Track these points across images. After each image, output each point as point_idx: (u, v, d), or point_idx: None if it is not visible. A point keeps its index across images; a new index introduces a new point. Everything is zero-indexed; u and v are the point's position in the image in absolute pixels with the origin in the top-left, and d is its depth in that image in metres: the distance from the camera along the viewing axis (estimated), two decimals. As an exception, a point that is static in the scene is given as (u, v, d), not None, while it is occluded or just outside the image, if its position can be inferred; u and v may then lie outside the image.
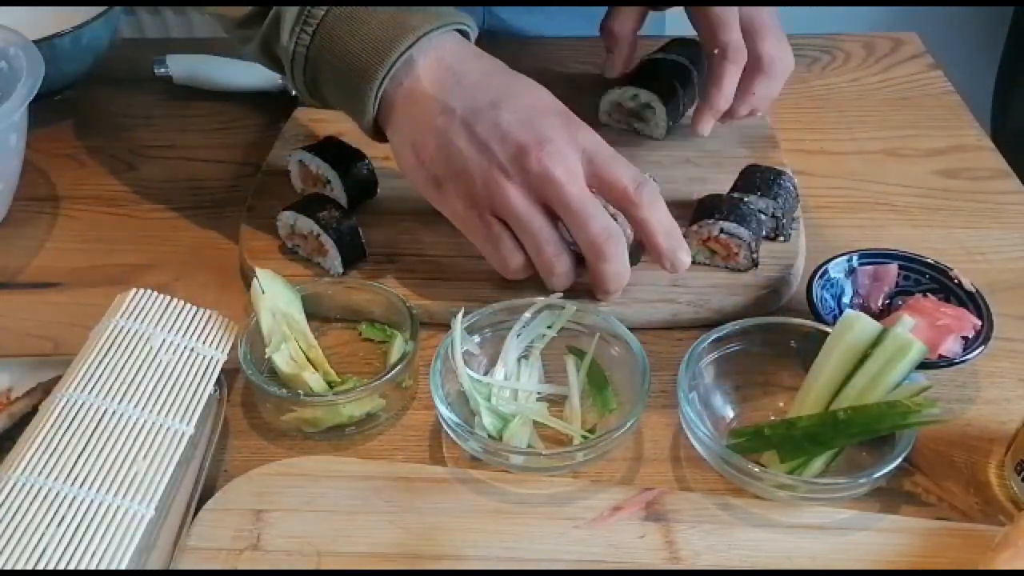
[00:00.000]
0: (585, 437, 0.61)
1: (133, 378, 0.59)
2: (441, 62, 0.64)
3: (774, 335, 0.64)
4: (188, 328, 0.64)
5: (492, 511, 0.57)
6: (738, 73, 0.75)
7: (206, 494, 0.58)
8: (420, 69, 0.64)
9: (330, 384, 0.64)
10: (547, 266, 0.66)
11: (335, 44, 0.63)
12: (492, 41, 0.71)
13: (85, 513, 0.52)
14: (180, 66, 0.97)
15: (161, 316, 0.63)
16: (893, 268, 0.70)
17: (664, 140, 0.86)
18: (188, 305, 0.65)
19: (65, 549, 0.51)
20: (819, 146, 0.90)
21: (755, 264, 0.72)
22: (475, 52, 0.67)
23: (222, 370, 0.63)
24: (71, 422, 0.56)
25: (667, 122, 0.85)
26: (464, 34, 0.67)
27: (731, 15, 0.74)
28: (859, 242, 0.75)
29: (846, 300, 0.70)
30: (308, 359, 0.65)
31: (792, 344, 0.64)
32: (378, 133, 0.68)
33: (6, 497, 0.52)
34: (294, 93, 0.89)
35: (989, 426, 0.63)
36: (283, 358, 0.63)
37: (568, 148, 0.63)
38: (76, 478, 0.53)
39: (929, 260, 0.70)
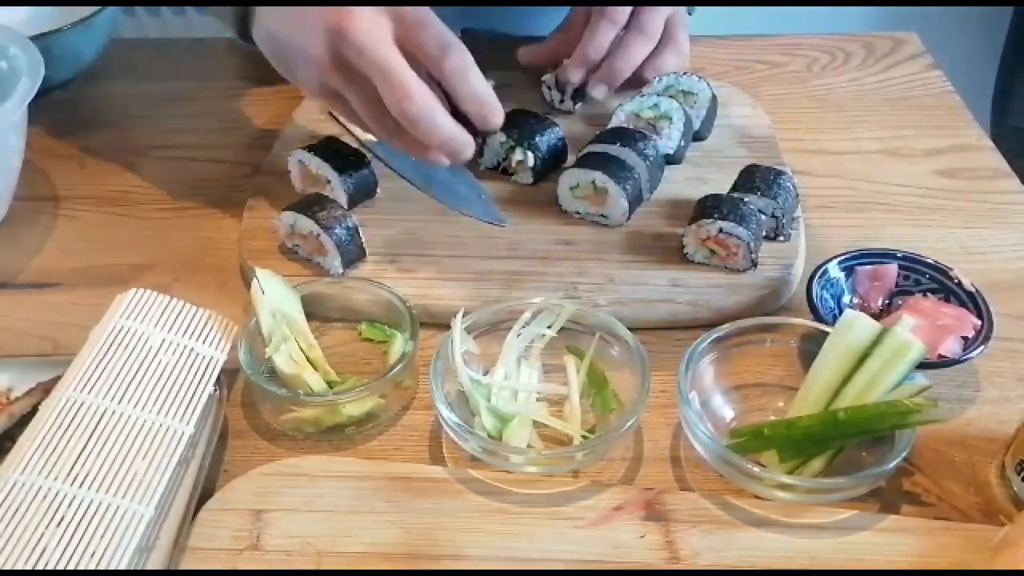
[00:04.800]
0: (585, 437, 0.61)
1: (133, 378, 0.59)
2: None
3: (774, 335, 0.64)
4: (187, 328, 0.64)
5: (492, 511, 0.57)
6: (611, 31, 0.82)
7: (206, 494, 0.58)
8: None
9: (330, 384, 0.64)
10: (393, 105, 0.64)
11: None
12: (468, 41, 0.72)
13: (85, 513, 0.52)
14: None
15: (160, 316, 0.63)
16: (893, 268, 0.70)
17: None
18: (187, 305, 0.65)
19: (65, 549, 0.51)
20: (819, 146, 0.90)
21: (754, 264, 0.72)
22: None
23: (222, 370, 0.63)
24: (71, 422, 0.56)
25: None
26: None
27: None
28: (859, 242, 0.75)
29: (846, 300, 0.70)
30: (308, 359, 0.65)
31: (792, 344, 0.64)
32: (245, 38, 0.71)
33: (6, 497, 0.52)
34: None
35: (989, 426, 0.63)
36: (283, 358, 0.63)
37: (370, 13, 0.63)
38: (76, 478, 0.53)
39: (929, 260, 0.70)
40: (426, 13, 0.64)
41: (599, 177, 0.75)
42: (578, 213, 0.77)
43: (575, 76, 0.87)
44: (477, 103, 0.65)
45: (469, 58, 0.65)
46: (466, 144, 0.66)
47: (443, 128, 0.64)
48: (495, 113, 0.66)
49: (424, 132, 0.64)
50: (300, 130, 0.88)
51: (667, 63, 0.88)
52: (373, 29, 0.63)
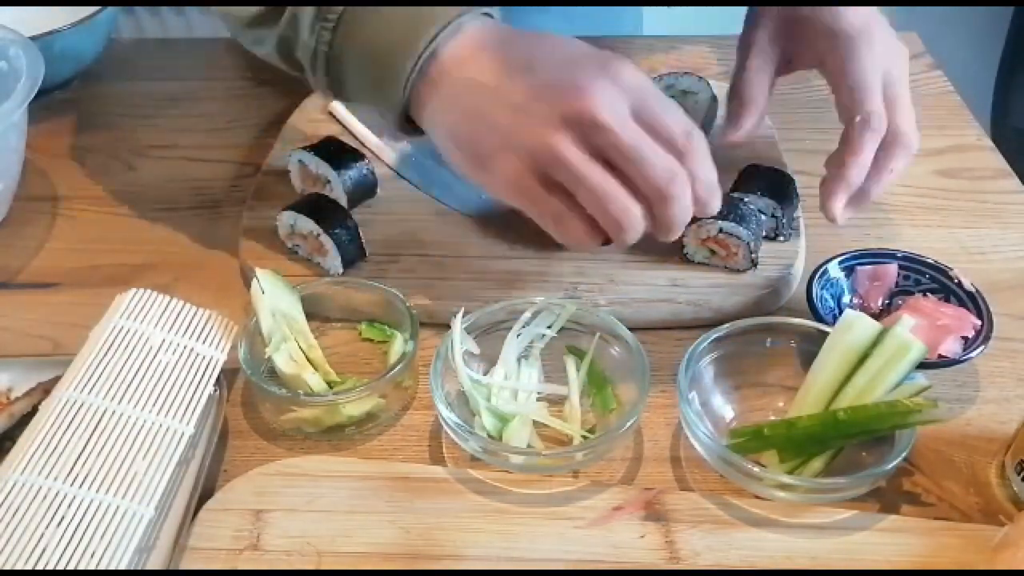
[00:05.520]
0: (585, 437, 0.61)
1: (133, 378, 0.59)
2: (466, 45, 0.61)
3: (774, 335, 0.64)
4: (187, 328, 0.64)
5: (492, 511, 0.57)
6: (876, 145, 0.67)
7: (206, 494, 0.58)
8: (447, 55, 0.61)
9: (330, 384, 0.64)
10: (615, 223, 0.60)
11: (358, 37, 0.61)
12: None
13: (85, 513, 0.52)
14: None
15: (161, 316, 0.63)
16: (893, 268, 0.70)
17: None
18: (188, 305, 0.65)
19: (65, 549, 0.51)
20: (819, 146, 0.90)
21: (754, 264, 0.72)
22: (497, 26, 0.63)
23: (222, 370, 0.63)
24: (71, 422, 0.56)
25: None
26: (488, 17, 0.64)
27: (875, 81, 0.67)
28: (859, 242, 0.75)
29: (846, 300, 0.70)
30: (308, 359, 0.65)
31: (792, 344, 0.64)
32: (408, 125, 0.65)
33: (6, 497, 0.52)
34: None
35: (989, 426, 0.63)
36: (283, 358, 0.63)
37: (611, 90, 0.58)
38: (76, 478, 0.53)
39: (929, 260, 0.70)
40: (660, 94, 0.60)
41: None
42: None
43: (841, 211, 0.69)
44: (709, 190, 0.61)
45: (706, 143, 0.61)
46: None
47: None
48: (717, 199, 0.62)
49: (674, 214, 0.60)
50: (300, 130, 0.89)
51: (898, 165, 0.69)
52: (618, 107, 0.58)
